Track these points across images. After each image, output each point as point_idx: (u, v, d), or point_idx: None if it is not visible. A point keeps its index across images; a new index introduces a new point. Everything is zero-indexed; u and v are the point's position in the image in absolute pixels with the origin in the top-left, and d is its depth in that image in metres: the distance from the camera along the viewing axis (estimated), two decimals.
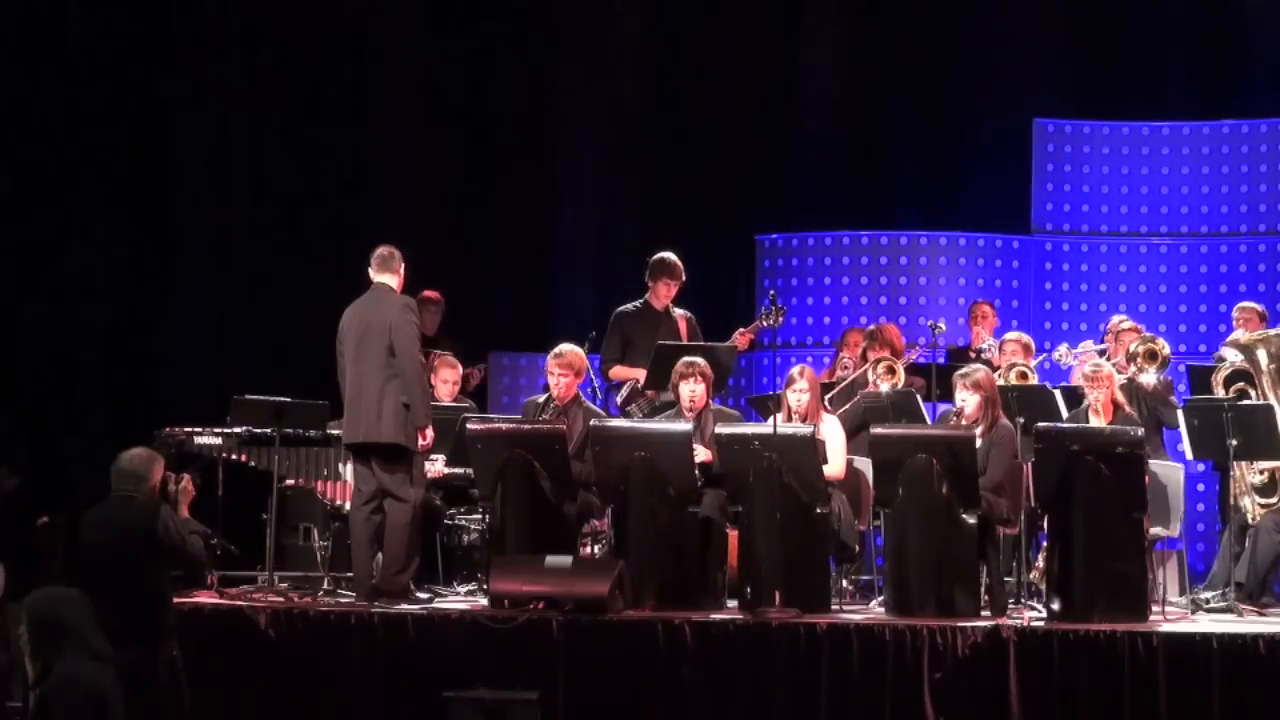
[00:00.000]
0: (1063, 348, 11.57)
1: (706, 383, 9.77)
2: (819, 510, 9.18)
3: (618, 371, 10.99)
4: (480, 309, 13.32)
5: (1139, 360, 10.48)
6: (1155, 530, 9.56)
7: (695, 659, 8.64)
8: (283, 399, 10.05)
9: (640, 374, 10.74)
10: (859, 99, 13.97)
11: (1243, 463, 9.85)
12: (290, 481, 10.53)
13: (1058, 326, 12.92)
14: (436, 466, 10.18)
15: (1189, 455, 9.93)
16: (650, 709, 8.66)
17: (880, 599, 9.46)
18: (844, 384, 10.98)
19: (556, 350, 9.97)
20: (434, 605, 9.31)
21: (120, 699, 6.91)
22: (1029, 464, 9.12)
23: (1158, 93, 13.64)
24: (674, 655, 8.65)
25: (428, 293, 11.96)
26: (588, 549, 10.04)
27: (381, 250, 9.59)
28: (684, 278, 11.09)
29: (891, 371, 10.82)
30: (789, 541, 9.00)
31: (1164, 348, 10.54)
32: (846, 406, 10.59)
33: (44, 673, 6.78)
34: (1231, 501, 10.20)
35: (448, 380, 11.01)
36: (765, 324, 10.89)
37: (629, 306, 11.13)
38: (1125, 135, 13.20)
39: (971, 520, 9.01)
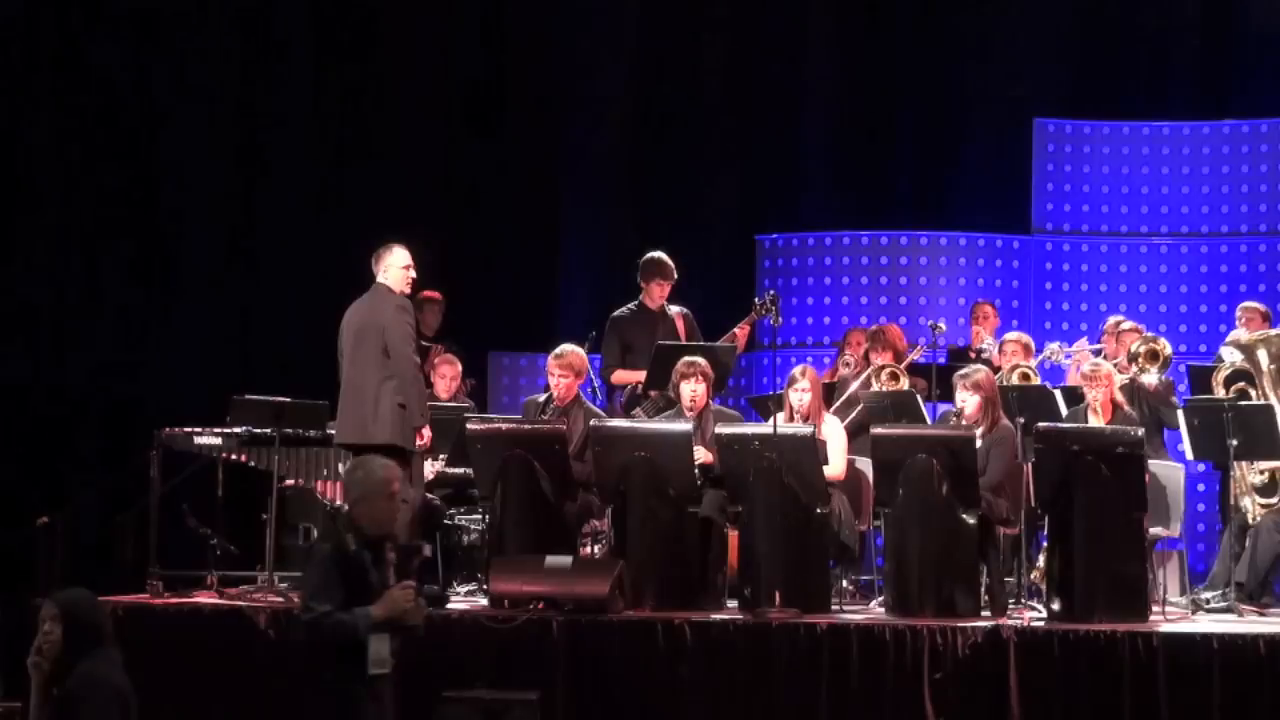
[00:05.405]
0: (1053, 345, 11.56)
1: (707, 382, 9.76)
2: (819, 510, 9.17)
3: (619, 376, 10.89)
4: (480, 309, 13.30)
5: (1140, 360, 10.48)
6: (1155, 530, 9.56)
7: (695, 659, 8.63)
8: (283, 399, 10.04)
9: (641, 376, 10.70)
10: (859, 99, 13.97)
11: (1243, 463, 9.86)
12: (290, 481, 10.51)
13: (1058, 326, 12.90)
14: (436, 466, 10.19)
15: (1189, 455, 9.93)
16: (650, 709, 8.65)
17: (880, 599, 9.45)
18: (846, 394, 10.93)
19: (557, 351, 9.96)
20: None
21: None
22: (1029, 464, 9.12)
23: (1158, 93, 13.63)
24: (674, 655, 8.65)
25: (428, 293, 11.94)
26: (588, 549, 10.02)
27: (380, 249, 9.58)
28: (676, 276, 11.00)
29: (895, 378, 10.80)
30: (789, 541, 8.99)
31: (1165, 347, 10.54)
32: (852, 415, 10.56)
33: (66, 671, 6.74)
34: (1231, 501, 10.20)
35: (446, 376, 11.02)
36: (761, 315, 10.84)
37: (623, 310, 11.01)
38: (1125, 135, 13.20)
39: (971, 520, 9.00)
